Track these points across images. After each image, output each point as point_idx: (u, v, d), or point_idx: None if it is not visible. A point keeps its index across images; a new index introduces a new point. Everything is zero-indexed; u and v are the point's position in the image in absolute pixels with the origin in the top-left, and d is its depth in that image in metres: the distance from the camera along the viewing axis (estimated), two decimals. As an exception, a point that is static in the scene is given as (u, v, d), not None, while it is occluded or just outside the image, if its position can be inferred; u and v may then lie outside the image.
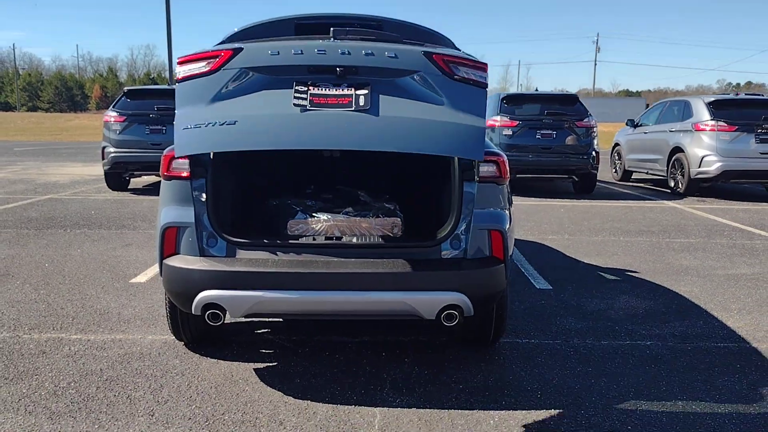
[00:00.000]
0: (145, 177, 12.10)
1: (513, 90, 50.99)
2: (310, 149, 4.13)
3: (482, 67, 3.10)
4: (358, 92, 2.99)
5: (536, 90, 14.93)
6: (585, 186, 11.57)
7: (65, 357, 3.68)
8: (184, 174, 3.30)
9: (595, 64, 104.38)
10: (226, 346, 3.86)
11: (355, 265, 3.15)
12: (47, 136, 38.73)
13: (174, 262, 3.22)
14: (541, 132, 11.27)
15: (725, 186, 11.86)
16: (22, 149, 25.04)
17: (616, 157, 14.58)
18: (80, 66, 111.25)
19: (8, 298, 4.79)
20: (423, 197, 4.19)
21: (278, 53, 3.09)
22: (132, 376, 3.43)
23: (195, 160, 3.27)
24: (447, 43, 4.11)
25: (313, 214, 3.58)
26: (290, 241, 3.37)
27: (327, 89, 3.00)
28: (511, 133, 11.30)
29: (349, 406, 3.12)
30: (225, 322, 3.37)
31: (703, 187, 11.39)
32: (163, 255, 3.28)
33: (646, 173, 13.21)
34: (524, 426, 2.96)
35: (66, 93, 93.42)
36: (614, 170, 14.68)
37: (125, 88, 11.73)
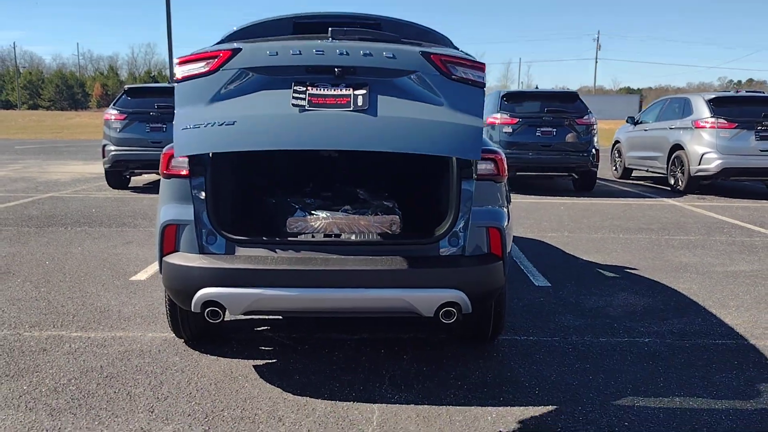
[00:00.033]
0: (146, 175, 12.11)
1: (514, 88, 50.95)
2: (309, 149, 4.15)
3: (480, 66, 3.11)
4: (357, 92, 3.00)
5: (536, 87, 14.87)
6: (585, 183, 11.58)
7: (66, 354, 3.70)
8: (184, 172, 3.31)
9: (596, 62, 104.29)
10: (225, 343, 3.87)
11: (354, 263, 3.17)
12: (48, 134, 38.76)
13: (173, 259, 3.24)
14: (541, 129, 11.27)
15: (725, 183, 11.86)
16: (23, 147, 25.06)
17: (617, 155, 14.58)
18: (81, 64, 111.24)
19: (9, 296, 4.82)
20: (421, 195, 4.21)
21: (277, 54, 3.11)
22: (132, 373, 3.45)
23: (194, 159, 3.29)
24: (445, 42, 4.12)
25: (312, 212, 3.60)
26: (289, 239, 3.39)
27: (325, 89, 3.02)
28: (511, 131, 11.30)
29: (348, 403, 3.14)
30: (225, 319, 3.39)
31: (703, 185, 11.39)
32: (163, 252, 3.29)
33: (647, 171, 13.21)
34: (522, 422, 2.98)
35: (67, 91, 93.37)
36: (614, 168, 14.68)
37: (126, 86, 11.73)
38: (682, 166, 11.41)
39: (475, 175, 3.31)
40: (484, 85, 3.09)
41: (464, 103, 3.02)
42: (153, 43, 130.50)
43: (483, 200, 3.33)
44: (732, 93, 12.00)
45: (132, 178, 11.58)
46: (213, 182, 3.33)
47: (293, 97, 3.00)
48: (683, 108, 11.91)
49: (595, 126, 11.50)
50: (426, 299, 3.14)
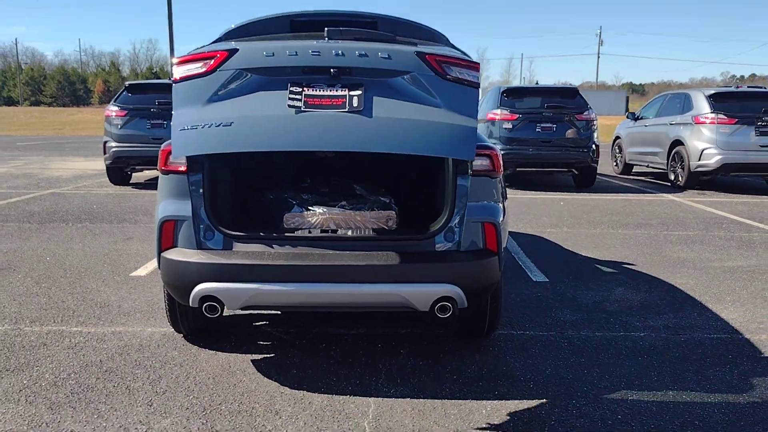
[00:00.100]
0: (147, 171, 12.14)
1: (516, 84, 50.84)
2: (306, 150, 4.18)
3: (474, 66, 3.14)
4: (352, 93, 3.03)
5: (536, 83, 14.91)
6: (585, 179, 11.59)
7: (66, 349, 3.74)
8: (182, 168, 3.34)
9: (598, 57, 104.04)
10: (224, 338, 3.91)
11: (350, 258, 3.20)
12: (50, 130, 38.86)
13: (172, 255, 3.27)
14: (541, 125, 11.27)
15: (725, 179, 11.87)
16: (25, 144, 25.14)
17: (617, 151, 14.58)
18: (83, 60, 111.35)
19: (10, 292, 4.86)
20: (418, 191, 4.23)
21: (273, 54, 3.14)
22: (131, 368, 3.49)
23: (192, 155, 3.31)
24: (442, 39, 4.14)
25: (309, 208, 3.63)
26: (286, 234, 3.42)
27: (321, 90, 3.05)
28: (511, 127, 11.31)
29: (344, 396, 3.18)
30: (223, 314, 3.42)
31: (703, 180, 11.40)
32: (161, 248, 3.33)
33: (647, 166, 13.22)
34: (516, 415, 3.01)
35: (68, 87, 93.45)
36: (615, 163, 14.69)
37: (126, 83, 11.78)
38: (682, 161, 11.42)
39: (470, 171, 3.33)
40: (478, 85, 3.12)
41: (459, 104, 3.05)
42: (155, 39, 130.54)
43: (478, 196, 3.35)
44: (732, 88, 11.98)
45: (133, 174, 11.62)
46: (211, 178, 3.35)
47: (289, 98, 3.03)
48: (683, 104, 11.91)
49: (595, 122, 11.50)
50: (421, 294, 3.17)
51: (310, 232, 3.51)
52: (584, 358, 3.70)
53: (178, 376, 3.38)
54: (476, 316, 3.73)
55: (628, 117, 14.24)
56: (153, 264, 5.63)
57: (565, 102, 11.59)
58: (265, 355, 3.67)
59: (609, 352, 3.79)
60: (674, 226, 7.88)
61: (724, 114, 10.89)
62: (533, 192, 10.95)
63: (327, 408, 3.05)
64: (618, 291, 5.02)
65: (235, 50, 3.14)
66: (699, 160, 11.00)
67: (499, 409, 3.06)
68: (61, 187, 11.13)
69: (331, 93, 3.04)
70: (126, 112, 10.85)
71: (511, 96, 11.80)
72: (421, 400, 3.15)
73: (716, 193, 10.93)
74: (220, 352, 3.70)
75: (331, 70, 3.08)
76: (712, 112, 10.97)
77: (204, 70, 3.11)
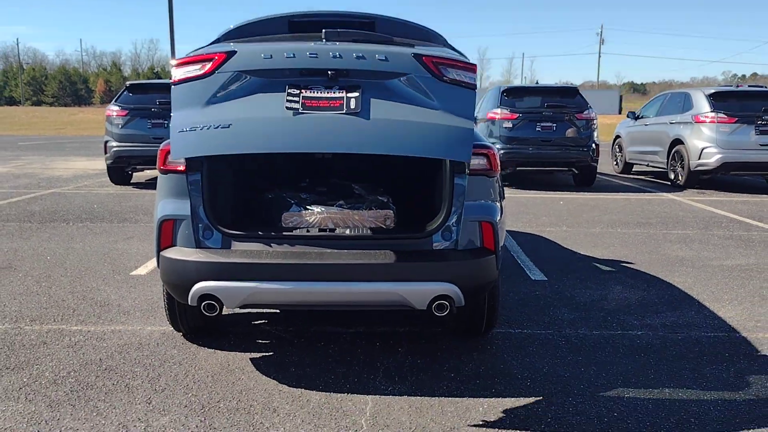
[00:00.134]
0: (148, 171, 12.15)
1: (517, 83, 50.78)
2: (303, 152, 4.21)
3: (471, 68, 3.16)
4: (349, 95, 3.06)
5: (537, 83, 14.92)
6: (585, 178, 11.60)
7: (65, 347, 3.76)
8: (180, 168, 3.36)
9: (599, 57, 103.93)
10: (223, 336, 3.93)
11: (348, 257, 3.21)
12: (51, 130, 38.91)
13: (170, 253, 3.29)
14: (542, 124, 11.29)
15: (725, 178, 11.87)
16: (27, 143, 25.19)
17: (617, 150, 14.59)
18: (84, 60, 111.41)
19: (11, 291, 4.88)
20: (415, 190, 4.25)
21: (271, 57, 3.16)
22: (130, 366, 3.51)
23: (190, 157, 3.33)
24: (439, 40, 4.16)
25: (307, 207, 3.64)
26: (284, 233, 3.44)
27: (319, 92, 3.07)
28: (511, 126, 11.32)
29: (342, 394, 3.19)
30: (223, 313, 3.44)
31: (703, 179, 11.41)
32: (160, 247, 3.35)
33: (647, 165, 13.23)
34: (512, 412, 3.03)
35: (70, 87, 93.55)
36: (615, 162, 14.70)
37: (127, 83, 11.80)
38: (682, 160, 11.42)
39: (467, 170, 3.35)
40: (475, 86, 3.14)
41: (455, 105, 3.08)
42: (156, 39, 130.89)
43: (475, 195, 3.37)
44: (732, 87, 11.98)
45: (134, 173, 11.64)
46: (209, 178, 3.37)
47: (287, 100, 3.05)
48: (683, 103, 11.92)
49: (595, 121, 11.52)
50: (419, 292, 3.19)
51: (308, 231, 3.52)
52: (581, 356, 3.71)
53: (177, 375, 3.40)
54: (474, 314, 3.75)
55: (628, 116, 14.24)
56: (153, 263, 5.64)
57: (565, 101, 11.60)
58: (264, 354, 3.69)
59: (606, 350, 3.80)
60: (674, 225, 7.89)
61: (724, 113, 10.89)
62: (533, 191, 10.97)
63: (325, 406, 3.07)
64: (616, 289, 5.04)
65: (233, 52, 3.16)
66: (699, 159, 11.00)
67: (495, 407, 3.08)
68: (62, 187, 11.16)
69: (328, 95, 3.06)
70: (127, 111, 10.88)
71: (511, 95, 11.82)
72: (418, 397, 3.17)
73: (716, 192, 10.94)
74: (218, 351, 3.72)
75: (329, 72, 3.11)
76: (712, 111, 10.97)
77: (202, 72, 3.13)
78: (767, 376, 3.44)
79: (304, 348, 3.77)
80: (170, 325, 3.91)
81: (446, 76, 3.12)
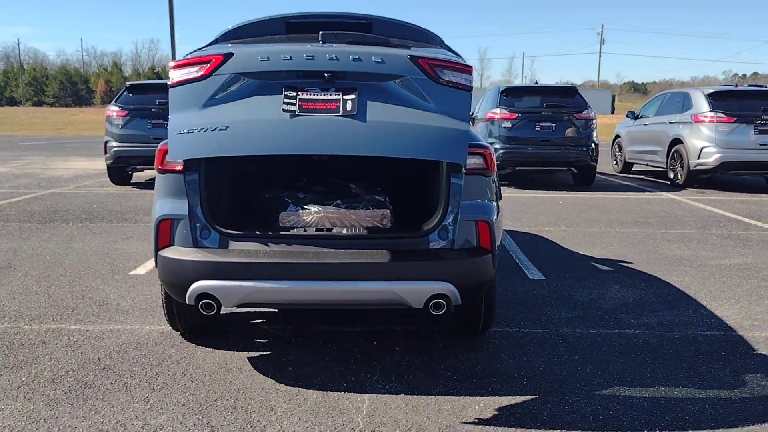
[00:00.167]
0: (148, 171, 12.17)
1: (517, 83, 50.80)
2: (300, 154, 4.22)
3: (467, 70, 3.18)
4: (346, 97, 3.07)
5: (536, 82, 14.94)
6: (584, 178, 11.61)
7: (64, 347, 3.78)
8: (178, 168, 3.37)
9: (600, 56, 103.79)
10: (221, 335, 3.94)
11: (345, 256, 3.23)
12: (52, 130, 38.95)
13: (168, 253, 3.31)
14: (541, 124, 11.30)
15: (724, 177, 11.88)
16: (27, 144, 25.22)
17: (617, 149, 14.60)
18: (84, 60, 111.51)
19: (10, 290, 4.90)
20: (412, 189, 4.27)
21: (268, 59, 3.18)
22: (129, 365, 3.52)
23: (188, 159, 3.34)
24: (436, 41, 4.17)
25: (305, 206, 3.66)
26: (281, 233, 3.45)
27: (315, 94, 3.09)
28: (510, 126, 11.34)
29: (339, 393, 3.21)
30: (221, 312, 3.45)
31: (702, 179, 11.42)
32: (158, 246, 3.36)
33: (647, 165, 13.24)
34: (508, 410, 3.04)
35: (71, 87, 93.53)
36: (615, 162, 14.71)
37: (127, 83, 11.82)
38: (682, 160, 11.43)
39: (463, 170, 3.36)
40: (471, 88, 3.16)
41: (451, 107, 3.10)
42: (156, 39, 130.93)
43: (472, 194, 3.38)
44: (731, 87, 11.99)
45: (134, 174, 11.66)
46: (207, 177, 3.39)
47: (284, 103, 3.07)
48: (683, 102, 11.93)
49: (594, 120, 11.53)
50: (415, 291, 3.20)
51: (305, 231, 3.54)
52: (578, 355, 3.72)
53: (175, 374, 3.42)
54: (471, 313, 3.76)
55: (627, 116, 14.25)
56: (152, 263, 5.65)
57: (564, 101, 11.61)
58: (262, 353, 3.71)
59: (603, 349, 3.82)
60: (672, 224, 7.90)
61: (723, 112, 10.91)
62: (532, 191, 10.98)
63: (321, 404, 3.09)
64: (614, 289, 5.05)
65: (231, 54, 3.18)
66: (698, 158, 11.01)
67: (492, 405, 3.09)
68: (62, 187, 11.18)
69: (325, 97, 3.08)
70: (127, 112, 10.90)
71: (510, 95, 11.83)
72: (414, 396, 3.18)
73: (715, 192, 10.95)
74: (216, 350, 3.73)
75: (326, 75, 3.13)
76: (711, 111, 10.98)
77: (200, 74, 3.15)
78: (763, 374, 3.46)
79: (302, 347, 3.79)
80: (168, 325, 3.92)
81: (442, 78, 3.14)
